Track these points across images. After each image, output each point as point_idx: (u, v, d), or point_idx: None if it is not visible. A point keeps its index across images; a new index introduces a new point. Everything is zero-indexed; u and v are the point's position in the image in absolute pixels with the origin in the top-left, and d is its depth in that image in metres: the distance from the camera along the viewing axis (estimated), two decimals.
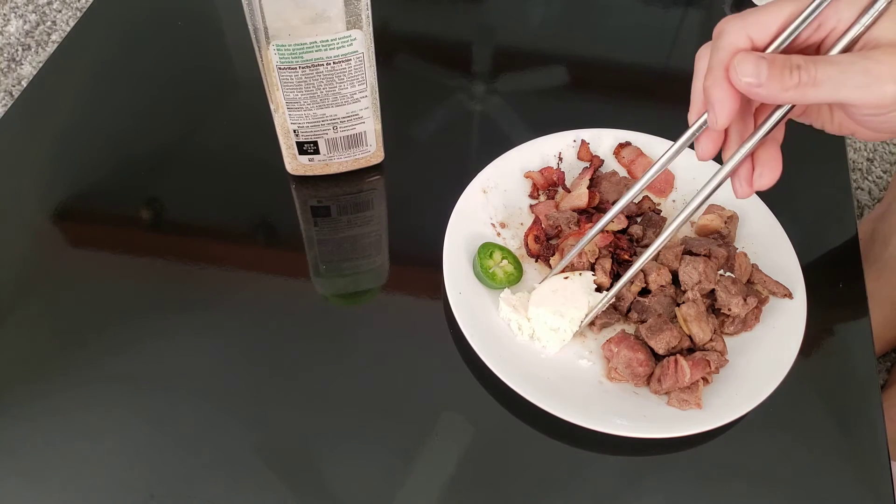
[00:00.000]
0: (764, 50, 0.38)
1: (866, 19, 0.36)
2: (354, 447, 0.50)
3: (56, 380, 0.52)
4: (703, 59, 0.41)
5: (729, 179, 0.43)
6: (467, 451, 0.50)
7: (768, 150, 0.41)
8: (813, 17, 0.37)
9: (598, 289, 0.54)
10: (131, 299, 0.57)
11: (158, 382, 0.52)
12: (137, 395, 0.52)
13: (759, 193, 0.59)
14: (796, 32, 0.38)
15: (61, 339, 0.54)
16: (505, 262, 0.56)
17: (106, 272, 0.59)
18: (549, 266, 0.57)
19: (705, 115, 0.42)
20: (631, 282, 0.54)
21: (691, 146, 0.45)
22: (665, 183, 0.62)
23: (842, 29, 0.37)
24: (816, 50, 0.39)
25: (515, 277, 0.56)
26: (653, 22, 0.80)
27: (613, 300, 0.52)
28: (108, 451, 0.49)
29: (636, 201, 0.61)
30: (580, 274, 0.54)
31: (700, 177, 0.62)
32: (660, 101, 0.72)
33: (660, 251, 0.56)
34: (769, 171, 0.41)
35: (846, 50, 0.37)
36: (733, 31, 0.38)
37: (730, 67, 0.37)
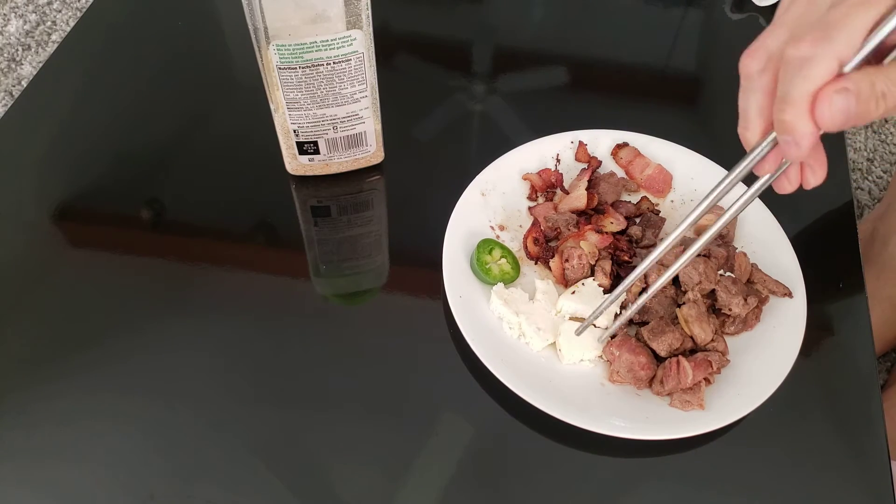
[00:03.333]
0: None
1: None
2: (354, 447, 0.50)
3: (56, 379, 0.52)
4: (763, 75, 0.38)
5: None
6: (467, 451, 0.50)
7: (816, 151, 0.41)
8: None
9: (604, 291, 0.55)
10: (131, 299, 0.57)
11: (158, 382, 0.52)
12: (137, 395, 0.52)
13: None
14: (879, 39, 0.34)
15: (61, 338, 0.54)
16: (503, 260, 0.56)
17: (106, 272, 0.59)
18: (549, 268, 0.57)
19: (765, 142, 0.40)
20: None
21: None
22: (663, 183, 0.62)
23: None
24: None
25: (511, 277, 0.56)
26: (653, 22, 0.80)
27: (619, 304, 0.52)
28: (108, 451, 0.49)
29: (634, 202, 0.61)
30: (583, 284, 0.54)
31: (698, 177, 0.62)
32: (658, 101, 0.72)
33: None
34: (819, 169, 0.42)
35: None
36: (825, 60, 0.35)
37: (817, 107, 0.35)
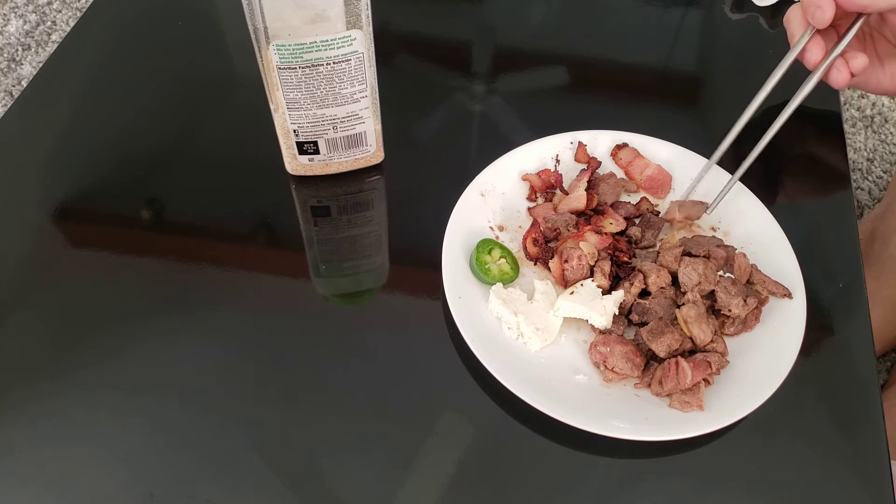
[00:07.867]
0: None
1: None
2: (354, 447, 0.50)
3: (56, 380, 0.52)
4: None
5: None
6: (467, 452, 0.50)
7: (853, 49, 0.58)
8: None
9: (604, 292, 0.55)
10: (131, 299, 0.57)
11: (158, 382, 0.52)
12: (137, 395, 0.52)
13: (757, 193, 0.59)
14: None
15: (61, 339, 0.54)
16: (503, 260, 0.56)
17: (105, 272, 0.59)
18: (548, 269, 0.57)
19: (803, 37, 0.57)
20: (631, 283, 0.54)
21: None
22: (663, 184, 0.62)
23: None
24: None
25: (510, 277, 0.56)
26: (653, 22, 0.80)
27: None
28: (108, 451, 0.49)
29: (634, 203, 0.61)
30: (581, 284, 0.54)
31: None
32: (658, 101, 0.72)
33: (658, 253, 0.56)
34: (861, 57, 0.57)
35: None
36: None
37: None
